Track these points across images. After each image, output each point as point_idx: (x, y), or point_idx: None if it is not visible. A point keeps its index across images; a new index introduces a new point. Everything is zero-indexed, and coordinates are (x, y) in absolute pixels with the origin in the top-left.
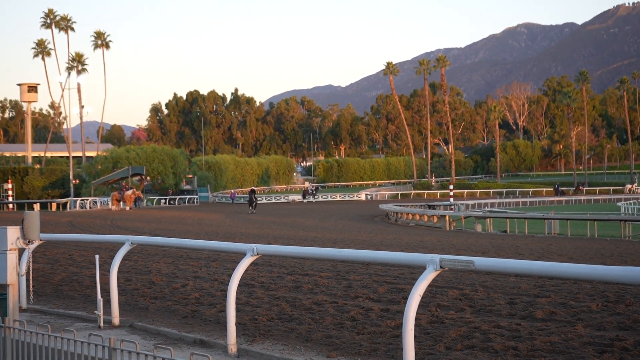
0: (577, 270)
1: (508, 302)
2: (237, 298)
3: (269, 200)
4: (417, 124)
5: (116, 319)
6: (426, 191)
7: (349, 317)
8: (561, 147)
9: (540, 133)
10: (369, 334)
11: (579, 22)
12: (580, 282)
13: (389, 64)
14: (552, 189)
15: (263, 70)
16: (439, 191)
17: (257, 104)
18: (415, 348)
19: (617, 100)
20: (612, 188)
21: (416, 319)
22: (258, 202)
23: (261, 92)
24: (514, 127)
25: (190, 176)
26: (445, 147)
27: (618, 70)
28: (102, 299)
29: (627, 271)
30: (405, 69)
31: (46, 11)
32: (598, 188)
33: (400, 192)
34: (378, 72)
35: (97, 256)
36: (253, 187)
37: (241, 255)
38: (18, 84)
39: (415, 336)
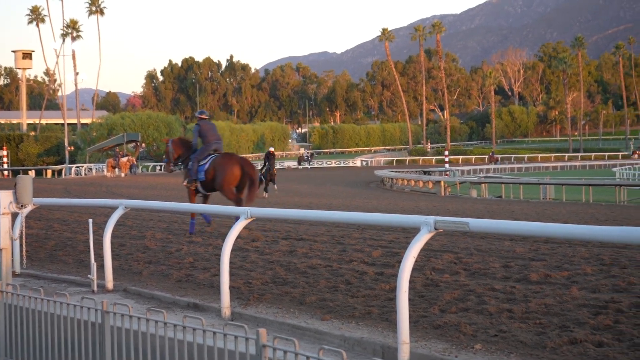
0: (572, 230)
1: (503, 266)
2: (231, 262)
3: None
4: (413, 90)
5: (110, 283)
6: (421, 157)
7: (343, 281)
8: (556, 113)
9: (536, 99)
10: (363, 297)
11: None
12: (575, 245)
13: (384, 30)
14: (551, 155)
15: (258, 37)
16: (434, 157)
17: (253, 70)
18: (409, 310)
19: (612, 66)
20: (607, 154)
21: (411, 282)
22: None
23: (256, 59)
24: (510, 93)
25: None
26: (440, 114)
27: (614, 36)
28: (95, 263)
29: (623, 231)
30: (400, 35)
31: None
32: (593, 154)
33: (395, 159)
34: (373, 38)
35: (90, 220)
36: (271, 149)
37: (235, 218)
38: (12, 51)
39: (409, 299)
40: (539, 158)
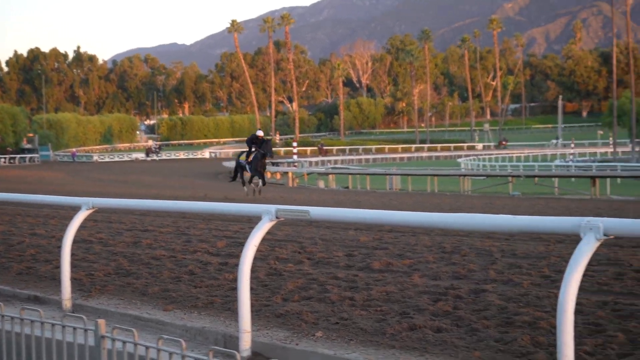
0: (409, 217)
1: (346, 255)
2: (74, 254)
3: (111, 158)
4: (262, 82)
5: None
6: None
7: (186, 271)
8: (404, 104)
9: (384, 91)
10: (207, 287)
11: None
12: (418, 234)
13: (233, 22)
14: (398, 146)
15: (106, 27)
16: (283, 148)
17: (100, 61)
18: (252, 300)
19: (458, 58)
20: (453, 145)
21: (254, 272)
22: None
23: (104, 50)
24: (358, 85)
25: (31, 135)
26: (289, 105)
27: (460, 29)
28: None
29: (459, 218)
30: (250, 27)
31: None
32: (440, 145)
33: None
34: (223, 30)
35: None
36: (260, 133)
37: (77, 209)
38: None
39: (252, 288)
40: (386, 149)
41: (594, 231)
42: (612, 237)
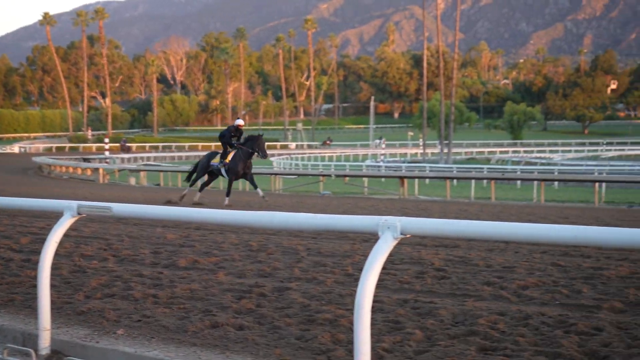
0: (211, 215)
1: (153, 252)
2: None
3: None
4: (74, 77)
5: None
6: (82, 144)
7: None
8: (218, 102)
9: (198, 88)
10: (7, 284)
11: None
12: (226, 232)
13: (45, 14)
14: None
15: None
16: (95, 144)
17: None
18: (53, 297)
19: (273, 57)
20: (267, 144)
21: (58, 269)
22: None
23: None
24: (172, 82)
25: None
26: (102, 101)
27: (275, 29)
28: None
29: (260, 216)
30: (63, 21)
31: None
32: None
33: (55, 145)
34: (35, 22)
35: None
36: (238, 123)
37: None
38: None
39: (54, 285)
40: (199, 147)
41: (391, 230)
42: (408, 235)
